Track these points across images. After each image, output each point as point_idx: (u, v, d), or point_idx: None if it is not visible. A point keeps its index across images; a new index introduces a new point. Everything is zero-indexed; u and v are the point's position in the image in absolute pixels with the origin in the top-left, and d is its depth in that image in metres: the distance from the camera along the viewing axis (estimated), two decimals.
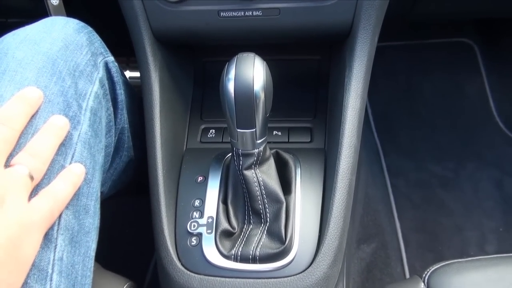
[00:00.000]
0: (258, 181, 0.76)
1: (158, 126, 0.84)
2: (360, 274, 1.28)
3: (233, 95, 0.69)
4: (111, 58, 0.79)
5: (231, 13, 0.82)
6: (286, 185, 0.82)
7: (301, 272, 0.74)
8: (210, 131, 0.95)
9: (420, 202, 1.47)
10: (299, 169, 0.85)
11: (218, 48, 1.03)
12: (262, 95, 0.69)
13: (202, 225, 0.79)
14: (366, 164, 1.49)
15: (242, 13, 0.81)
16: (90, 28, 0.79)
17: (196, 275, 0.75)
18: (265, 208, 0.77)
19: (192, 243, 0.78)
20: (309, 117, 0.96)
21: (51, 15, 0.87)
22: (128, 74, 1.20)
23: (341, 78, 0.85)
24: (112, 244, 1.10)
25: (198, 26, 0.84)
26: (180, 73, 0.98)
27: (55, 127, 0.64)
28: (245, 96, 0.68)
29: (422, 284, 0.82)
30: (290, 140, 0.93)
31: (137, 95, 0.93)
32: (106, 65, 0.78)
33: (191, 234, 0.79)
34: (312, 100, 0.99)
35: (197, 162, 0.89)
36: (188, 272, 0.76)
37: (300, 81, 1.01)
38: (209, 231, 0.78)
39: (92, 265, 0.69)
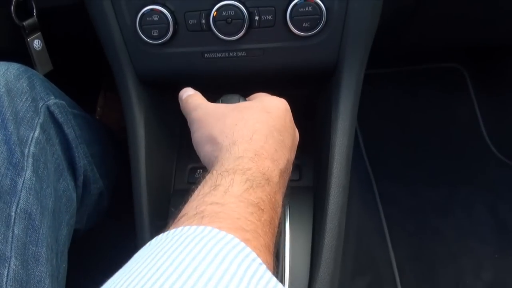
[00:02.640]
0: None
1: (144, 170, 0.83)
2: None
3: None
4: (52, 101, 0.78)
5: (215, 54, 0.81)
6: None
7: None
8: (198, 170, 0.94)
9: (414, 229, 1.45)
10: (288, 209, 0.84)
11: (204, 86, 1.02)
12: None
13: None
14: (358, 194, 1.48)
15: (226, 54, 0.81)
16: (32, 72, 0.78)
17: None
18: None
19: None
20: (297, 153, 0.95)
21: (33, 59, 0.86)
22: None
23: (328, 116, 0.85)
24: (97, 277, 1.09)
25: (182, 68, 0.84)
26: (167, 112, 0.97)
27: None
28: None
29: None
30: None
31: (93, 123, 0.93)
32: (48, 109, 0.77)
33: None
34: (300, 135, 0.98)
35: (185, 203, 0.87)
36: None
37: None
38: None
39: None
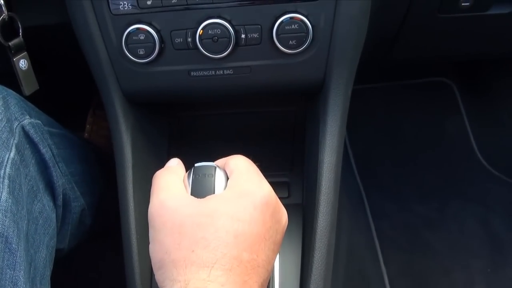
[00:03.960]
0: None
1: (131, 190, 0.82)
2: None
3: None
4: (27, 121, 0.77)
5: (201, 72, 0.81)
6: None
7: None
8: None
9: (406, 244, 1.45)
10: None
11: (192, 104, 1.02)
12: None
13: None
14: (349, 209, 1.47)
15: (213, 72, 0.81)
16: (7, 91, 0.77)
17: None
18: None
19: None
20: (286, 170, 0.95)
21: (19, 79, 0.86)
22: None
23: (316, 133, 0.84)
24: None
25: (169, 86, 0.83)
26: (154, 131, 0.96)
27: None
28: None
29: None
30: None
31: (73, 141, 0.92)
32: (23, 129, 0.76)
33: None
34: (289, 152, 0.98)
35: None
36: None
37: (276, 133, 1.00)
38: None
39: None
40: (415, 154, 1.63)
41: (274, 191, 0.91)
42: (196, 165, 0.63)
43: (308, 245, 0.78)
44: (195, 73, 0.81)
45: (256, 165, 0.73)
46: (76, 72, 1.26)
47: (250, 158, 0.66)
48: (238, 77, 0.81)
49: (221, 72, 0.81)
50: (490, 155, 1.62)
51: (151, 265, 0.81)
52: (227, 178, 0.61)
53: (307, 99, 0.95)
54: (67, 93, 1.51)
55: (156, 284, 0.78)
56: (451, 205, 1.53)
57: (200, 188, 0.59)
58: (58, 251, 0.85)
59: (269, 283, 0.75)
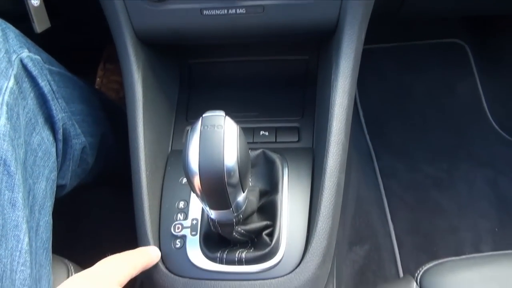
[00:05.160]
0: (242, 234, 0.72)
1: (141, 127, 0.82)
2: (353, 277, 1.26)
3: (198, 177, 0.57)
4: (25, 54, 0.77)
5: (214, 11, 0.80)
6: (273, 184, 0.80)
7: (288, 273, 0.72)
8: None
9: (414, 203, 1.45)
10: (286, 168, 0.83)
11: (204, 49, 1.01)
12: (236, 175, 0.58)
13: (187, 227, 0.77)
14: (358, 166, 1.47)
15: (226, 11, 0.80)
16: (6, 24, 0.77)
17: (180, 278, 0.73)
18: (251, 239, 0.75)
19: (176, 246, 0.76)
20: (297, 116, 0.94)
21: (31, 16, 0.85)
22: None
23: (328, 76, 0.84)
24: (93, 242, 1.09)
25: (181, 25, 0.83)
26: (165, 75, 0.96)
27: None
28: (215, 178, 0.57)
29: (415, 283, 0.80)
30: (277, 140, 0.91)
31: (74, 82, 0.92)
32: (21, 62, 0.76)
33: (175, 237, 0.77)
34: (300, 100, 0.97)
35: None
36: (172, 275, 0.74)
37: (288, 81, 1.00)
38: (193, 233, 0.76)
39: (28, 259, 0.66)
40: (425, 115, 1.62)
41: (285, 136, 0.91)
42: (204, 115, 0.59)
43: (318, 184, 0.78)
44: (207, 12, 0.80)
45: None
46: (88, 22, 1.25)
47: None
48: (250, 16, 0.80)
49: (234, 11, 0.80)
50: (502, 118, 1.61)
51: (160, 200, 0.82)
52: (239, 129, 0.59)
53: (320, 45, 0.94)
54: (78, 47, 1.51)
55: (165, 218, 0.80)
56: (460, 166, 1.53)
57: (209, 142, 0.57)
58: (60, 187, 0.86)
59: (276, 221, 0.76)
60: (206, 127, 0.57)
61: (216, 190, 0.58)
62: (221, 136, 0.57)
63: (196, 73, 1.02)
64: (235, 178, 0.58)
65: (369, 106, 1.65)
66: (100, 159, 1.00)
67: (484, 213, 1.43)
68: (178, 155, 0.89)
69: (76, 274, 0.61)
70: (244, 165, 0.59)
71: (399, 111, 1.65)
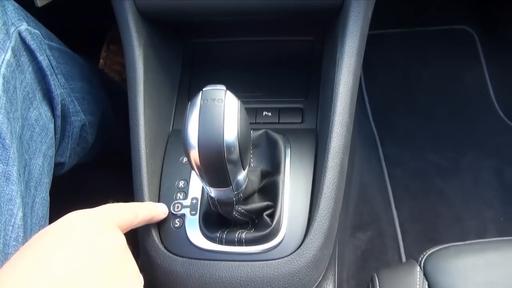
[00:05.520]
0: (242, 214, 0.70)
1: (142, 104, 0.81)
2: (356, 263, 1.24)
3: (196, 152, 0.55)
4: (24, 27, 0.75)
5: None
6: (275, 165, 0.79)
7: (289, 255, 0.71)
8: None
9: (418, 191, 1.43)
10: (289, 149, 0.81)
11: (208, 29, 0.99)
12: (236, 150, 0.56)
13: (186, 207, 0.76)
14: (363, 153, 1.45)
15: None
16: None
17: (179, 258, 0.72)
18: (252, 220, 0.74)
19: (176, 225, 0.75)
20: (301, 97, 0.92)
21: None
22: None
23: (334, 55, 0.82)
24: None
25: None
26: (168, 54, 0.94)
27: None
28: (214, 153, 0.55)
29: (418, 268, 0.78)
30: (280, 121, 0.89)
31: (74, 59, 0.90)
32: (19, 35, 0.74)
33: (175, 216, 0.75)
34: (304, 81, 0.95)
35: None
36: (171, 255, 0.73)
37: (293, 62, 0.98)
38: (193, 212, 0.75)
39: (21, 234, 0.65)
40: (432, 103, 1.60)
41: (288, 117, 0.90)
42: (204, 89, 0.56)
43: (321, 165, 0.76)
44: None
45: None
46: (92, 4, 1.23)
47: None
48: None
49: None
50: (509, 108, 1.59)
51: (160, 179, 0.81)
52: (240, 104, 0.56)
53: (326, 27, 0.92)
54: (82, 28, 1.49)
55: (165, 197, 0.78)
56: (466, 155, 1.51)
57: (209, 116, 0.55)
58: (58, 165, 0.85)
59: (278, 202, 0.74)
60: (206, 101, 0.55)
61: (215, 166, 0.56)
62: (221, 110, 0.55)
63: (199, 53, 1.00)
64: (235, 154, 0.56)
65: (375, 93, 1.63)
66: (100, 138, 0.99)
67: (489, 202, 1.41)
68: (179, 135, 0.87)
69: (75, 211, 0.58)
70: (245, 141, 0.57)
71: (405, 98, 1.63)
